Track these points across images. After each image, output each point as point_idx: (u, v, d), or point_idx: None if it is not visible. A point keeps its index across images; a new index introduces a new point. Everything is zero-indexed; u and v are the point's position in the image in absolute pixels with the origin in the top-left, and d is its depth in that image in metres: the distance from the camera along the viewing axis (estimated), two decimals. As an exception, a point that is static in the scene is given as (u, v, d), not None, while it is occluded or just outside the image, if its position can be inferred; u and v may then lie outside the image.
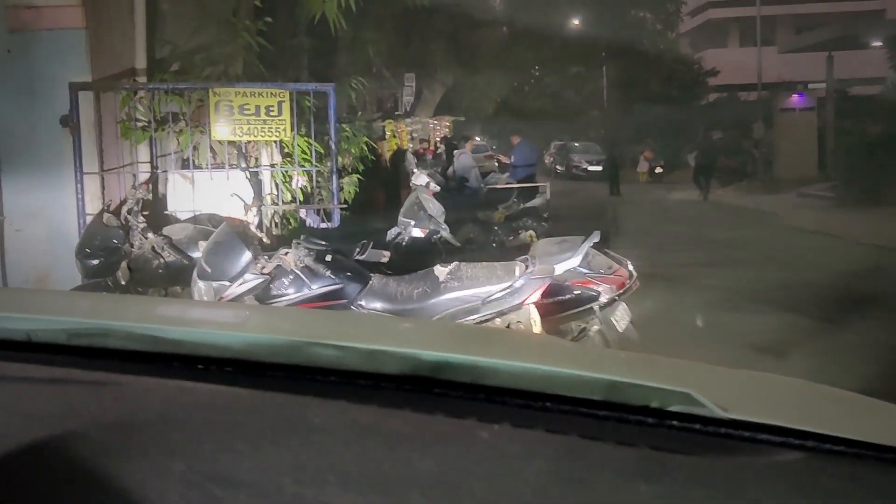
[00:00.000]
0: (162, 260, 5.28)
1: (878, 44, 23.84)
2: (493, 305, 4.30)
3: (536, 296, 4.34)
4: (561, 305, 4.62)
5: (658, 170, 27.27)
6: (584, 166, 30.82)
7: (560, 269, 4.64)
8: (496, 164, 20.01)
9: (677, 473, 0.79)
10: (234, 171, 6.62)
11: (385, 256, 5.15)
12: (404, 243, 6.15)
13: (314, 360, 1.00)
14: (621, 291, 4.74)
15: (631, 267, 4.88)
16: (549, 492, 0.76)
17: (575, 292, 4.66)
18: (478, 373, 0.95)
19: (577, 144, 33.10)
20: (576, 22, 25.35)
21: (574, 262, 4.76)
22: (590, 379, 0.92)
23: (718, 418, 0.84)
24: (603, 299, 4.66)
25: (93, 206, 6.18)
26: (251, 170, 6.85)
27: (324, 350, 1.01)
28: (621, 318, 4.84)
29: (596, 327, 4.74)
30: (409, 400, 0.91)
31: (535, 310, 4.35)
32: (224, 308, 3.07)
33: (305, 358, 1.00)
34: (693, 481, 0.77)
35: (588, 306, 4.66)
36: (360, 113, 12.20)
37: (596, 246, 4.94)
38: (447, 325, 3.32)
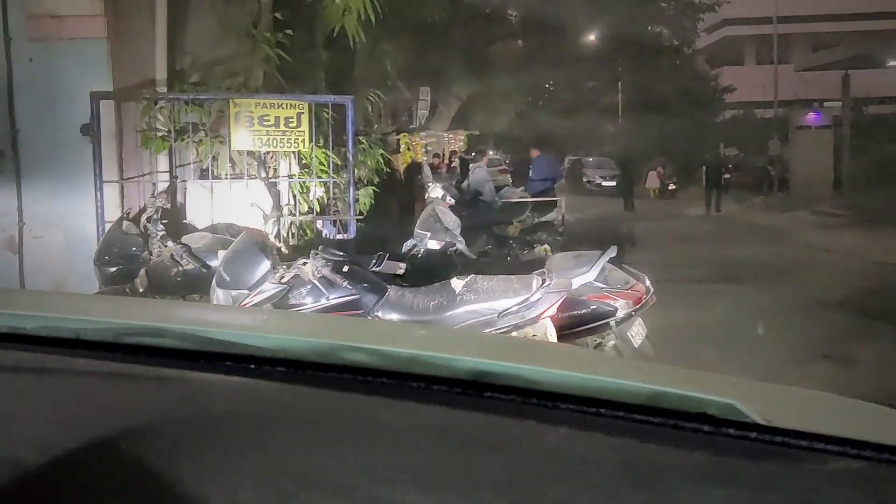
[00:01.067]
0: (180, 268, 5.31)
1: (894, 63, 23.77)
2: (510, 319, 4.30)
3: (553, 310, 4.34)
4: (577, 320, 4.62)
5: (671, 186, 27.29)
6: (598, 181, 30.84)
7: (576, 283, 4.64)
8: (510, 177, 20.04)
9: (749, 479, 0.79)
10: (253, 182, 6.66)
11: (401, 268, 5.16)
12: (420, 255, 6.15)
13: (363, 363, 1.00)
14: (638, 307, 4.74)
15: (648, 282, 4.88)
16: (623, 495, 0.77)
17: (591, 307, 4.66)
18: (528, 380, 0.96)
19: (591, 159, 33.13)
20: (592, 37, 25.38)
21: (590, 276, 4.76)
22: (636, 388, 0.93)
23: (767, 427, 0.85)
24: (619, 314, 4.66)
25: (112, 214, 6.21)
26: (269, 180, 6.89)
27: (372, 355, 1.02)
28: (637, 333, 4.84)
29: (612, 342, 4.73)
30: (469, 403, 0.92)
31: (552, 324, 4.35)
32: (268, 313, 3.09)
33: (355, 361, 1.01)
34: (766, 487, 0.78)
35: (604, 321, 4.66)
36: (375, 126, 12.24)
37: (612, 260, 4.94)
38: (489, 336, 3.34)
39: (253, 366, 1.03)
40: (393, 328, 2.24)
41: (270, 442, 0.84)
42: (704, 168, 24.02)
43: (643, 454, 0.83)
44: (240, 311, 2.90)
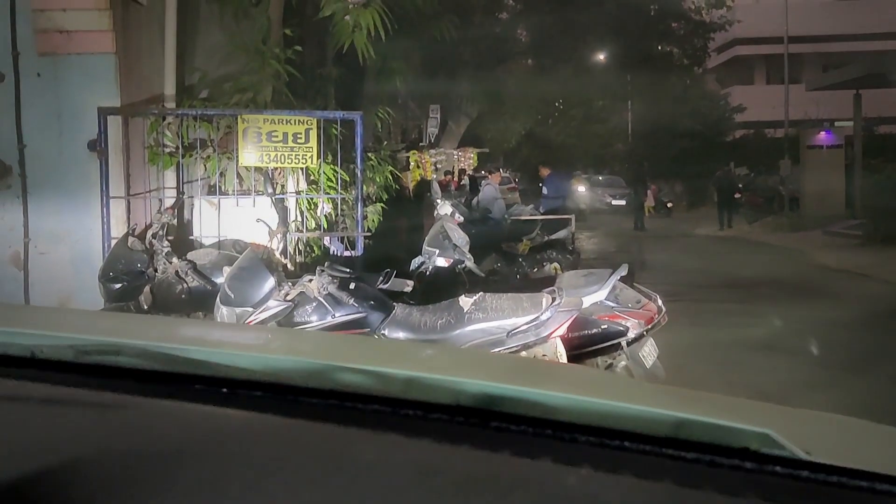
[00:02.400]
0: (185, 285, 5.24)
1: (906, 82, 23.67)
2: (519, 338, 4.21)
3: (563, 329, 4.25)
4: (587, 339, 4.53)
5: (669, 204, 27.59)
6: (608, 200, 30.78)
7: (587, 301, 4.56)
8: (519, 195, 19.97)
9: None
10: (260, 198, 6.61)
11: (408, 286, 5.08)
12: (428, 273, 6.08)
13: (354, 386, 0.89)
14: (650, 326, 4.65)
15: (660, 301, 4.79)
16: None
17: (602, 326, 4.57)
18: (541, 407, 0.84)
19: (600, 178, 33.09)
20: (602, 55, 25.37)
21: (601, 295, 4.68)
22: (661, 416, 0.83)
23: (810, 462, 0.76)
24: (631, 334, 4.57)
25: (118, 231, 6.17)
26: (277, 196, 6.84)
27: (363, 376, 0.90)
28: (649, 354, 4.75)
29: (623, 363, 4.64)
30: (468, 434, 0.80)
31: (561, 343, 4.26)
32: (247, 329, 2.99)
33: (344, 384, 0.89)
34: None
35: (615, 341, 4.57)
36: (385, 143, 12.22)
37: (624, 279, 4.86)
38: (497, 355, 3.18)
39: (225, 389, 0.91)
40: (390, 346, 2.10)
41: (226, 484, 0.73)
42: (717, 187, 23.98)
43: (676, 497, 0.73)
44: (215, 327, 2.72)
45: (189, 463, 0.77)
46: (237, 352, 1.06)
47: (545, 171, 14.06)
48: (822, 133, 23.18)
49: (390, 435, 0.80)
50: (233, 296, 4.31)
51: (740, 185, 25.59)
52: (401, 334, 4.33)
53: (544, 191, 13.68)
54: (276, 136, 6.57)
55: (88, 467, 0.74)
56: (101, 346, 1.03)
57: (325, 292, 4.25)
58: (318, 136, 6.67)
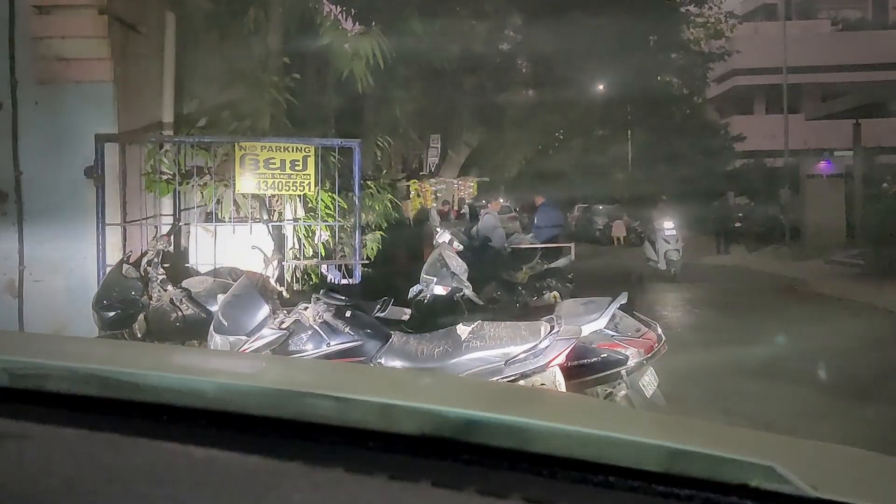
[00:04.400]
0: (180, 313, 5.18)
1: (905, 112, 23.73)
2: (517, 366, 4.15)
3: (562, 357, 4.19)
4: (587, 368, 4.45)
5: (642, 235, 28.31)
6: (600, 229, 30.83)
7: (586, 330, 4.49)
8: (519, 224, 19.96)
9: None
10: (257, 225, 6.57)
11: (406, 314, 5.02)
12: (426, 301, 6.02)
13: (308, 414, 0.81)
14: (649, 355, 4.57)
15: (660, 330, 4.72)
16: None
17: (601, 355, 4.49)
18: (518, 436, 0.77)
19: (601, 207, 33.09)
20: (601, 86, 25.48)
21: (600, 323, 4.60)
22: (653, 446, 0.76)
23: (808, 498, 0.70)
24: (631, 363, 4.49)
25: (114, 258, 6.12)
26: (274, 223, 6.80)
27: (321, 402, 0.83)
28: (649, 383, 4.67)
29: (623, 392, 4.56)
30: (432, 468, 0.73)
31: (560, 372, 4.19)
32: (197, 352, 2.87)
33: (297, 412, 0.81)
34: None
35: (615, 370, 4.49)
36: (384, 171, 12.22)
37: (623, 308, 4.79)
38: (474, 381, 3.04)
39: (166, 416, 0.84)
40: (354, 371, 1.97)
41: None
42: (718, 217, 24.02)
43: None
44: (160, 349, 2.53)
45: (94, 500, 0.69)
46: (182, 375, 0.98)
47: (539, 200, 14.08)
48: (822, 162, 23.18)
49: (334, 470, 0.73)
50: (226, 324, 4.25)
51: (739, 215, 25.60)
52: (397, 363, 4.26)
53: (535, 220, 13.69)
54: (274, 164, 6.54)
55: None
56: (30, 367, 0.96)
57: (320, 320, 4.20)
58: (316, 163, 6.64)
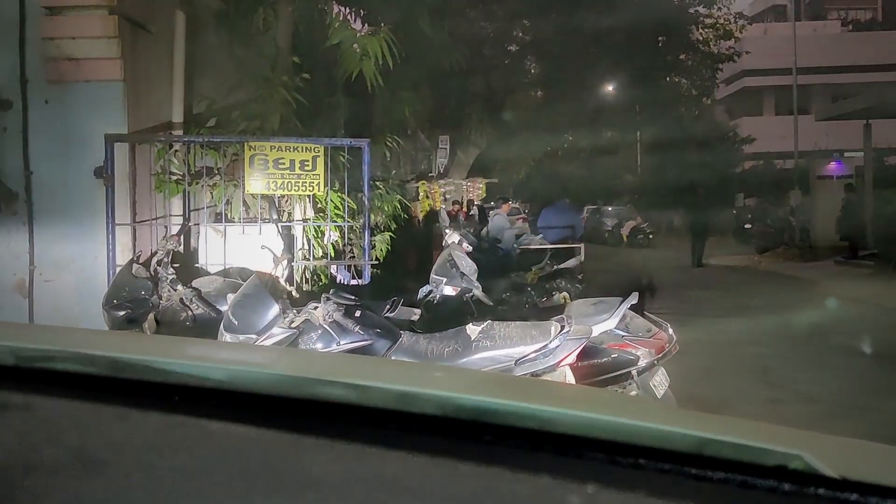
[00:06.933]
0: (190, 312, 5.17)
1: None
2: (527, 366, 4.13)
3: (572, 358, 4.17)
4: (597, 369, 4.43)
5: (650, 235, 28.26)
6: (610, 229, 30.81)
7: (596, 330, 4.47)
8: (528, 225, 19.93)
9: None
10: (267, 225, 6.57)
11: (415, 314, 5.01)
12: (435, 301, 6.01)
13: (330, 397, 0.79)
14: (660, 356, 4.56)
15: (671, 330, 4.70)
16: None
17: (612, 355, 4.48)
18: (542, 420, 0.75)
19: (610, 209, 33.05)
20: (611, 87, 25.45)
21: (611, 323, 4.59)
22: (679, 434, 0.74)
23: (837, 479, 0.68)
24: (641, 363, 4.47)
25: (123, 258, 6.12)
26: (283, 224, 6.79)
27: (338, 389, 0.82)
28: (660, 383, 4.65)
29: (633, 392, 4.54)
30: (455, 447, 0.71)
31: (571, 372, 4.18)
32: (207, 343, 2.87)
33: (315, 395, 0.80)
34: None
35: (625, 370, 4.47)
36: (393, 172, 12.22)
37: (634, 308, 4.77)
38: (493, 374, 3.03)
39: (177, 397, 0.83)
40: (369, 363, 1.95)
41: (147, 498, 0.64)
42: (727, 218, 24.00)
43: None
44: (174, 340, 2.55)
45: (116, 473, 0.70)
46: (191, 361, 0.97)
47: (548, 201, 14.09)
48: (832, 163, 23.08)
49: (354, 445, 0.72)
50: (236, 323, 4.25)
51: (749, 216, 25.55)
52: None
53: (539, 222, 13.70)
54: (283, 164, 6.54)
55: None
56: (43, 353, 0.95)
57: (330, 320, 4.18)
58: (326, 163, 6.63)
